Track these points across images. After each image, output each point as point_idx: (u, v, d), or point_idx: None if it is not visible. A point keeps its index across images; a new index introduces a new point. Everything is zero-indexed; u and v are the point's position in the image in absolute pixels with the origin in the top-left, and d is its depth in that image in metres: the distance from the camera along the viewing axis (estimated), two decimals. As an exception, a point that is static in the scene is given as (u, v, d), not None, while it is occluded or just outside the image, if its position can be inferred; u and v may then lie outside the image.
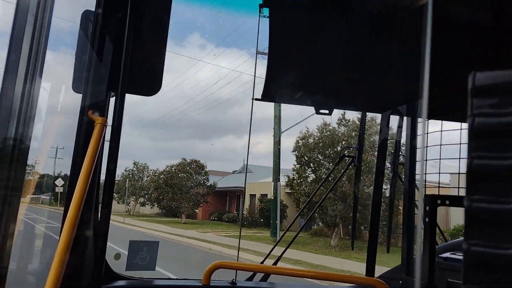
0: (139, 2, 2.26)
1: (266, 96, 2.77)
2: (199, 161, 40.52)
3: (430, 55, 0.64)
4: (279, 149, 25.29)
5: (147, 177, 47.55)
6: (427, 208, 2.22)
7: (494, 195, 0.51)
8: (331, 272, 2.70)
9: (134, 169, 48.62)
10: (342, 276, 2.82)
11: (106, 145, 2.18)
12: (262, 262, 2.90)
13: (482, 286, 0.51)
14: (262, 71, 2.63)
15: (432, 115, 2.59)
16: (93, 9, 2.22)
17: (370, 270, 3.02)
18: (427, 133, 2.83)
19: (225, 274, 2.65)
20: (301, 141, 25.29)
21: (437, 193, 2.23)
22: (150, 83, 2.45)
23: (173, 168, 40.40)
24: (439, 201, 1.98)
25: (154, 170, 46.39)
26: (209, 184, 40.06)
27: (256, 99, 2.81)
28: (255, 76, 2.94)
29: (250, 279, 2.82)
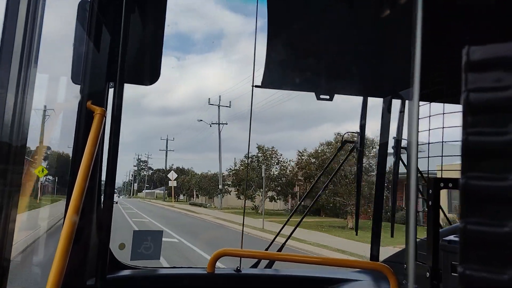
0: None
1: (266, 82, 2.75)
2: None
3: (421, 35, 0.62)
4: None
5: (276, 164, 38.27)
6: (430, 191, 2.21)
7: (491, 172, 0.50)
8: (335, 258, 2.70)
9: (260, 155, 38.43)
10: (346, 261, 2.82)
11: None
12: (267, 249, 2.90)
13: (478, 265, 0.50)
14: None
15: (435, 97, 2.56)
16: None
17: (374, 255, 3.02)
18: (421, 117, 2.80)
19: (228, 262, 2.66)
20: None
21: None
22: (148, 72, 2.43)
23: (325, 149, 30.46)
24: (442, 184, 1.96)
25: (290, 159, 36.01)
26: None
27: (256, 86, 2.79)
28: (254, 63, 2.91)
29: (254, 266, 2.83)
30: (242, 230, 2.92)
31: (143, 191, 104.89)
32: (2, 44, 1.34)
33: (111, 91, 2.23)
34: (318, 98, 2.94)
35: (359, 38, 2.56)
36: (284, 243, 3.02)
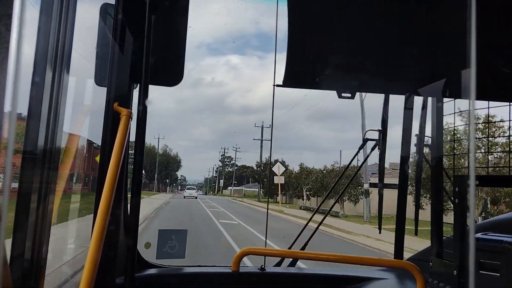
0: None
1: (288, 81, 2.75)
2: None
3: (476, 32, 0.61)
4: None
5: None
6: (457, 189, 2.18)
7: None
8: (360, 256, 2.69)
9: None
10: (371, 260, 2.81)
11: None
12: (290, 247, 2.91)
13: None
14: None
15: (460, 94, 2.53)
16: (111, 1, 2.23)
17: (398, 253, 3.00)
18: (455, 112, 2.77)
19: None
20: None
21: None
22: (172, 74, 2.46)
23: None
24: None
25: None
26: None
27: (278, 85, 2.80)
28: (275, 62, 2.92)
29: (278, 264, 2.84)
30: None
31: (229, 188, 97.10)
32: (37, 50, 1.38)
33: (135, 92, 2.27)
34: (340, 96, 2.93)
35: (380, 35, 2.54)
36: (308, 241, 3.02)
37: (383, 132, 3.28)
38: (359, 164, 4.78)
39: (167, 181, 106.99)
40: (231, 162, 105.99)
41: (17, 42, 0.44)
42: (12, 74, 0.47)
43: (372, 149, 3.38)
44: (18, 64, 0.45)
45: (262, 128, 76.05)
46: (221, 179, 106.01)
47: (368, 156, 3.64)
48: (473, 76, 0.58)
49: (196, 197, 59.79)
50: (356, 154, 3.37)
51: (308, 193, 44.87)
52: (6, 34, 0.50)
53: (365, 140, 3.33)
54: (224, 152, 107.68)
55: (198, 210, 36.49)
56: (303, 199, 47.58)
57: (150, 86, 2.27)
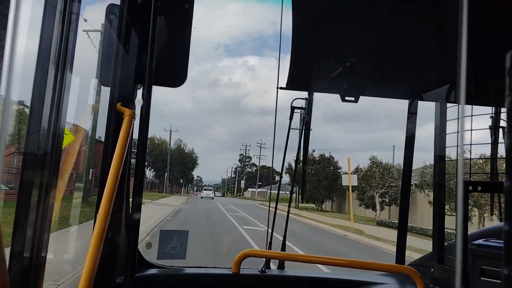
0: None
1: (291, 84, 2.75)
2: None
3: (467, 37, 0.61)
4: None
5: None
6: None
7: None
8: (361, 260, 2.68)
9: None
10: (373, 264, 2.80)
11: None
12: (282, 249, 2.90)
13: None
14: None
15: (467, 100, 2.52)
16: (116, 2, 2.25)
17: (400, 258, 2.99)
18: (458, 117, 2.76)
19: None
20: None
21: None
22: (176, 74, 2.47)
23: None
24: (470, 187, 1.93)
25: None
26: None
27: (281, 88, 2.80)
28: (279, 65, 2.92)
29: (280, 267, 2.84)
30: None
31: (249, 189, 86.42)
32: (40, 50, 1.39)
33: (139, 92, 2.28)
34: (343, 100, 2.93)
35: (384, 39, 2.54)
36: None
37: (309, 100, 3.04)
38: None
39: (182, 181, 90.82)
40: (250, 162, 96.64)
41: (11, 40, 0.45)
42: (6, 73, 0.48)
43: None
44: (11, 62, 0.46)
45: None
46: (241, 179, 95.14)
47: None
48: (463, 81, 0.59)
49: (212, 198, 59.26)
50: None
51: (382, 199, 33.93)
52: (2, 33, 0.51)
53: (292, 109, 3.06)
54: (246, 150, 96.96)
55: (223, 223, 25.50)
56: (374, 209, 35.04)
57: (162, 87, 2.29)
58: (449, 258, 2.52)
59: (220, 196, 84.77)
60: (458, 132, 2.37)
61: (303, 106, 2.99)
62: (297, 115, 3.04)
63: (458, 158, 2.59)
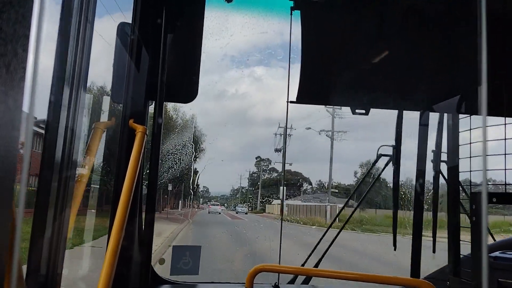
0: (174, 12, 2.31)
1: (301, 98, 2.76)
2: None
3: (486, 49, 0.61)
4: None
5: None
6: (474, 206, 2.15)
7: None
8: (375, 274, 2.65)
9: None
10: (387, 278, 2.76)
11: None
12: (303, 264, 2.88)
13: None
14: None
15: (476, 110, 2.51)
16: (127, 20, 2.29)
17: (415, 271, 2.94)
18: (470, 128, 2.74)
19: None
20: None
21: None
22: (187, 91, 2.50)
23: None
24: (494, 199, 1.91)
25: None
26: None
27: (291, 102, 2.81)
28: (289, 78, 2.94)
29: (292, 282, 2.81)
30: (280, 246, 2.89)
31: (273, 202, 60.48)
32: (55, 70, 1.42)
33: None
34: (354, 113, 2.92)
35: (394, 52, 2.55)
36: (321, 259, 2.99)
37: (397, 148, 3.24)
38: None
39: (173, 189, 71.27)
40: (269, 167, 73.23)
41: (34, 63, 0.46)
42: (29, 94, 0.49)
43: (386, 164, 3.34)
44: (34, 83, 0.47)
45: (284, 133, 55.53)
46: (258, 189, 70.78)
47: (381, 172, 3.61)
48: (484, 92, 0.59)
49: (219, 213, 51.15)
50: (370, 169, 3.34)
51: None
52: (23, 54, 0.52)
53: (378, 156, 3.30)
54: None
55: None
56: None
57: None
58: (465, 271, 2.47)
59: (245, 213, 57.53)
60: (483, 141, 2.35)
61: (391, 154, 3.12)
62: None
63: (482, 169, 2.57)
